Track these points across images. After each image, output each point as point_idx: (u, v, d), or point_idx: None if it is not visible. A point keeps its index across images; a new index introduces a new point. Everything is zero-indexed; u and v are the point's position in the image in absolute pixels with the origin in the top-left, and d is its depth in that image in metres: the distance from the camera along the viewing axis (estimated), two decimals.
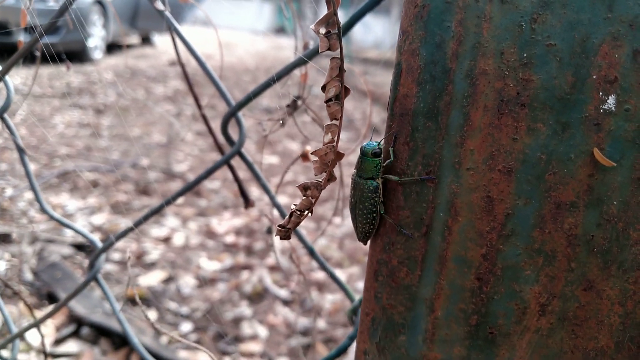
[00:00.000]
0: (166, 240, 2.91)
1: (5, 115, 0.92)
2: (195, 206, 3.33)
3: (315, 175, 0.49)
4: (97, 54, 6.68)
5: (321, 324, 2.34)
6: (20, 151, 0.90)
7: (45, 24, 0.84)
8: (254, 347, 2.15)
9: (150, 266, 2.66)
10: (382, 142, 0.53)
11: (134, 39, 8.88)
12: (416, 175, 0.48)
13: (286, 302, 2.47)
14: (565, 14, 0.42)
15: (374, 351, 0.53)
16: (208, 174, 0.78)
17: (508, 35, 0.43)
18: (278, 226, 0.50)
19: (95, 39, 6.46)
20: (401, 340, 0.51)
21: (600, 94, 0.43)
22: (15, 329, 0.99)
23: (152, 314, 2.27)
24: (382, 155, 0.52)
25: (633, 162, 0.43)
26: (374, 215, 0.52)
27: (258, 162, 3.81)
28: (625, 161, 0.43)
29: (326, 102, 0.47)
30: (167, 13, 0.84)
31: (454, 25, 0.44)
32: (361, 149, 0.53)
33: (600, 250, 0.45)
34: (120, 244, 2.82)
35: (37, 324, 0.97)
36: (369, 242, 0.55)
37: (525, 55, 0.43)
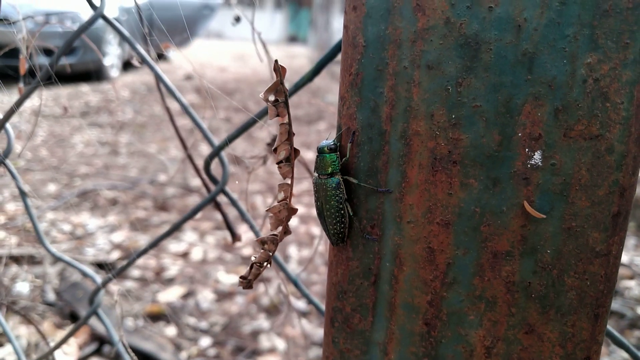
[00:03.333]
0: (185, 255, 2.97)
1: (7, 161, 0.97)
2: (213, 220, 3.38)
3: (272, 230, 0.53)
4: (114, 72, 6.82)
5: None
6: (23, 194, 0.95)
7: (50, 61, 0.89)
8: None
9: (169, 282, 2.71)
10: (336, 140, 0.54)
11: (150, 55, 9.02)
12: (362, 228, 0.51)
13: (304, 314, 2.50)
14: (488, 77, 0.45)
15: None
16: (193, 213, 0.82)
17: (436, 98, 0.46)
18: (240, 277, 0.54)
19: (112, 58, 6.61)
20: None
21: (527, 150, 0.45)
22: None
23: (172, 330, 2.32)
24: (338, 151, 0.53)
25: (562, 213, 0.46)
26: (342, 212, 0.53)
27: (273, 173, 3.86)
28: (555, 212, 0.46)
29: (277, 163, 0.50)
30: (150, 60, 0.88)
31: (386, 90, 0.47)
32: (317, 148, 0.54)
33: (538, 295, 0.47)
34: (139, 260, 2.89)
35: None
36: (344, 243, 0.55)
37: (453, 116, 0.46)
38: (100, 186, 3.62)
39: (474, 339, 0.50)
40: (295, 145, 0.51)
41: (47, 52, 1.08)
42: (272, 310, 2.55)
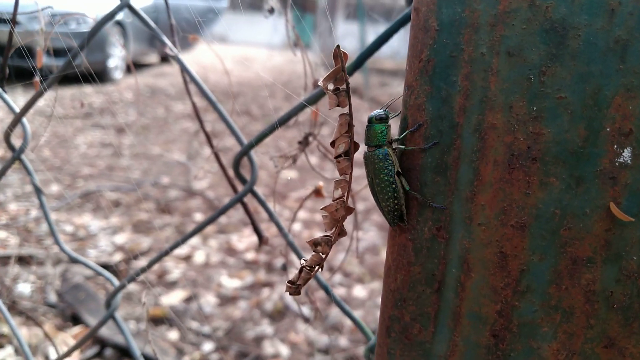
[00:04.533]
0: (187, 258, 2.92)
1: (23, 156, 0.93)
2: (216, 223, 3.34)
3: (326, 231, 0.49)
4: (118, 74, 6.79)
5: (343, 341, 2.32)
6: (38, 191, 0.91)
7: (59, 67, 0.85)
8: None
9: (172, 285, 2.67)
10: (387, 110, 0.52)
11: (153, 57, 8.99)
12: (426, 231, 0.47)
13: (307, 320, 2.46)
14: (575, 66, 0.41)
15: None
16: (220, 213, 0.78)
17: (516, 88, 0.42)
18: (288, 282, 0.49)
19: (115, 59, 6.59)
20: None
21: (615, 147, 0.41)
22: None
23: (174, 334, 2.28)
24: (388, 122, 0.51)
25: None
26: (394, 186, 0.49)
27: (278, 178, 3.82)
28: None
29: (336, 157, 0.46)
30: (180, 56, 0.84)
31: (460, 79, 0.43)
32: (368, 118, 0.51)
33: (621, 306, 0.43)
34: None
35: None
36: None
37: (535, 108, 0.42)
38: (103, 187, 3.58)
39: (547, 353, 0.46)
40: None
41: (55, 52, 1.05)
42: (275, 316, 2.51)
